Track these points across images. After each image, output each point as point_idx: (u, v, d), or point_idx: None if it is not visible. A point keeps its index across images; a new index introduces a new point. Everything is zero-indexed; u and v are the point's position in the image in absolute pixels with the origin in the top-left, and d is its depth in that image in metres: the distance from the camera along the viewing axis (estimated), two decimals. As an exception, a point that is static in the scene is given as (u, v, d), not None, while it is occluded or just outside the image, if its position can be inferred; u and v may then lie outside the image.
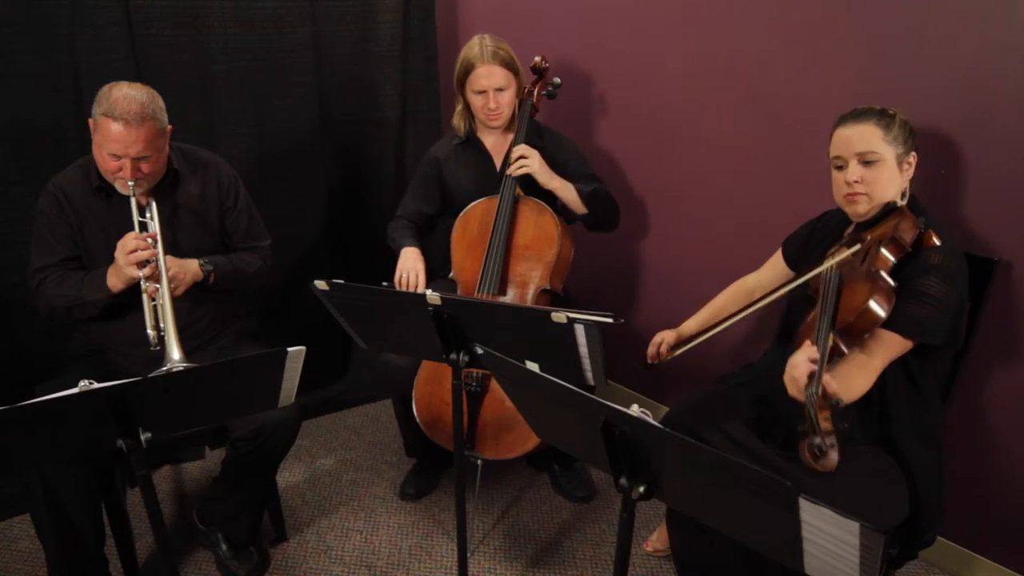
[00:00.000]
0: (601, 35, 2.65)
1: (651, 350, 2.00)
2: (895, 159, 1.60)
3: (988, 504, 2.02)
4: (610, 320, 1.47)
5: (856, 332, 1.50)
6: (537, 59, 2.40)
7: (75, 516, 1.83)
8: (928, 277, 1.52)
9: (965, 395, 1.91)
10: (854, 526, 0.97)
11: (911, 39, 1.91)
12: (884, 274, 1.52)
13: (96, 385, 1.31)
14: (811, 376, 1.39)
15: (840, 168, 1.66)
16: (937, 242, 1.54)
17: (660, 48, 2.49)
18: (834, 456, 1.34)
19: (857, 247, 1.60)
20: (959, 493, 2.01)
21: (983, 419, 1.98)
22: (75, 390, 1.29)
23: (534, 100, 2.39)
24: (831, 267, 1.60)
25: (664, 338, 1.99)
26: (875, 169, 1.60)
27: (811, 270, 1.67)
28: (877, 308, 1.47)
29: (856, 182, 1.60)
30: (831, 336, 1.46)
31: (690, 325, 2.03)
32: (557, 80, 2.45)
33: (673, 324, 2.69)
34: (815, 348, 1.44)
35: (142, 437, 1.39)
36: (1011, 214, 1.83)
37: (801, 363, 1.43)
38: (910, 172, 1.64)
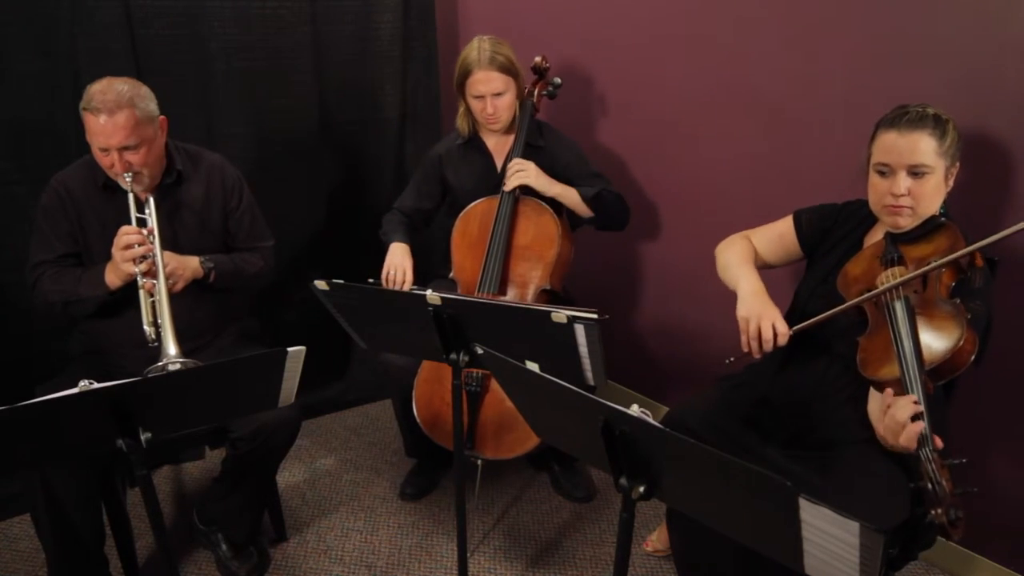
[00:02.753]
0: (601, 35, 2.65)
1: (762, 344, 1.60)
2: (943, 171, 1.53)
3: (988, 504, 2.02)
4: (594, 317, 1.46)
5: (946, 372, 1.38)
6: (538, 59, 2.40)
7: (75, 516, 1.83)
8: (975, 302, 1.47)
9: (965, 395, 1.90)
10: (854, 526, 0.97)
11: (912, 39, 1.91)
12: (962, 304, 1.41)
13: (96, 385, 1.31)
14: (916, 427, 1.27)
15: (883, 174, 1.56)
16: (981, 262, 1.48)
17: (660, 48, 2.49)
18: (963, 524, 1.20)
19: (920, 270, 1.47)
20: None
21: (983, 419, 1.98)
22: (75, 390, 1.29)
23: (534, 100, 2.39)
24: (894, 295, 1.45)
25: (776, 324, 1.59)
26: (923, 182, 1.52)
27: (856, 278, 1.56)
28: (968, 345, 1.36)
29: (904, 195, 1.52)
30: (923, 377, 1.33)
31: (756, 280, 1.71)
32: (557, 80, 2.45)
33: (673, 324, 2.70)
34: (915, 399, 1.30)
35: (142, 437, 1.39)
36: (1012, 214, 1.83)
37: (906, 412, 1.28)
38: (952, 182, 1.57)
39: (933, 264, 1.46)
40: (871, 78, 2.00)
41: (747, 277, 1.73)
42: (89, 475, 1.84)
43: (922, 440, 1.27)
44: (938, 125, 1.52)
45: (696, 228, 2.54)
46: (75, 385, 1.30)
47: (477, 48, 2.25)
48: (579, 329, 1.50)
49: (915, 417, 1.29)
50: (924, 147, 1.51)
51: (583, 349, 1.53)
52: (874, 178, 1.59)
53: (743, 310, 1.66)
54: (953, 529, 1.19)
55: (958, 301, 1.43)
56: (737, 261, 1.79)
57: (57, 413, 1.32)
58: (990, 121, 1.82)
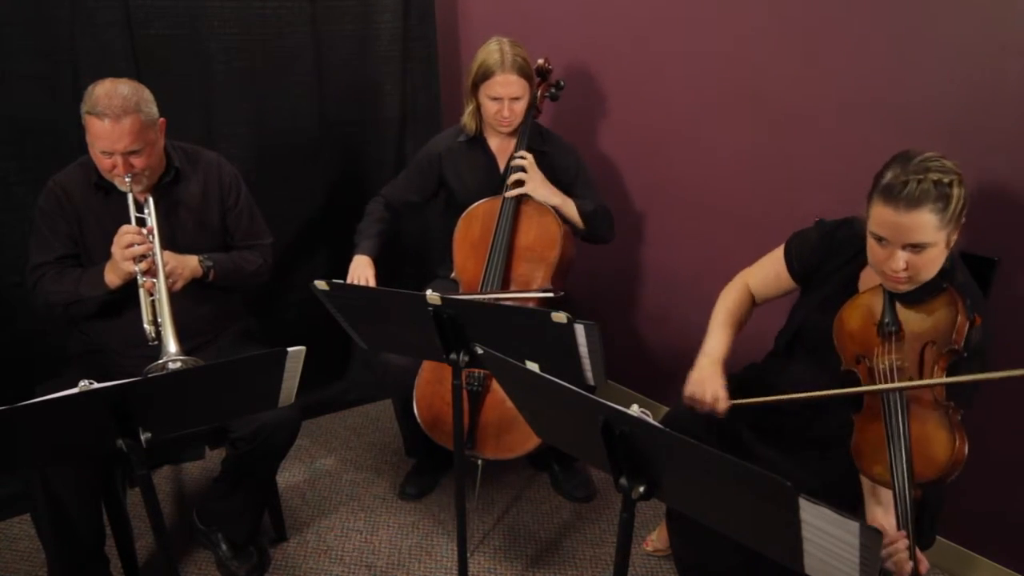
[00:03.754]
0: (601, 36, 2.65)
1: (701, 408, 1.70)
2: (945, 240, 1.44)
3: (988, 504, 2.02)
4: (551, 294, 1.48)
5: (934, 484, 1.39)
6: (541, 61, 2.40)
7: (75, 516, 1.83)
8: (972, 361, 1.46)
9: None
10: (854, 526, 0.97)
11: (911, 40, 1.91)
12: (955, 407, 1.42)
13: (96, 385, 1.31)
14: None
15: (880, 242, 1.48)
16: (979, 321, 1.45)
17: (661, 49, 2.49)
18: None
19: (918, 383, 1.45)
20: (959, 493, 2.00)
21: (982, 419, 1.98)
22: (75, 390, 1.29)
23: (537, 102, 2.39)
24: (892, 395, 1.45)
25: (717, 395, 1.68)
26: (922, 255, 1.44)
27: (852, 330, 1.57)
28: (960, 456, 1.37)
29: (903, 269, 1.46)
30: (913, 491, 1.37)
31: (719, 347, 1.79)
32: (560, 83, 2.44)
33: (673, 324, 2.70)
34: (905, 542, 1.35)
35: (142, 437, 1.39)
36: (1012, 214, 1.83)
37: (902, 549, 1.35)
38: (956, 239, 1.48)
39: (933, 382, 1.44)
40: (873, 80, 2.00)
41: (714, 340, 1.81)
42: (89, 475, 1.84)
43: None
44: (940, 197, 1.40)
45: (697, 228, 2.54)
46: (75, 385, 1.30)
47: (499, 50, 2.23)
48: (579, 329, 1.50)
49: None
50: (923, 225, 1.41)
51: (583, 349, 1.53)
52: (871, 241, 1.51)
53: (694, 374, 1.75)
54: None
55: (951, 406, 1.43)
56: (719, 318, 1.85)
57: (57, 413, 1.32)
58: (990, 121, 1.82)
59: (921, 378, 1.46)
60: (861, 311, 1.58)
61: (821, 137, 2.14)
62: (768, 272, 1.87)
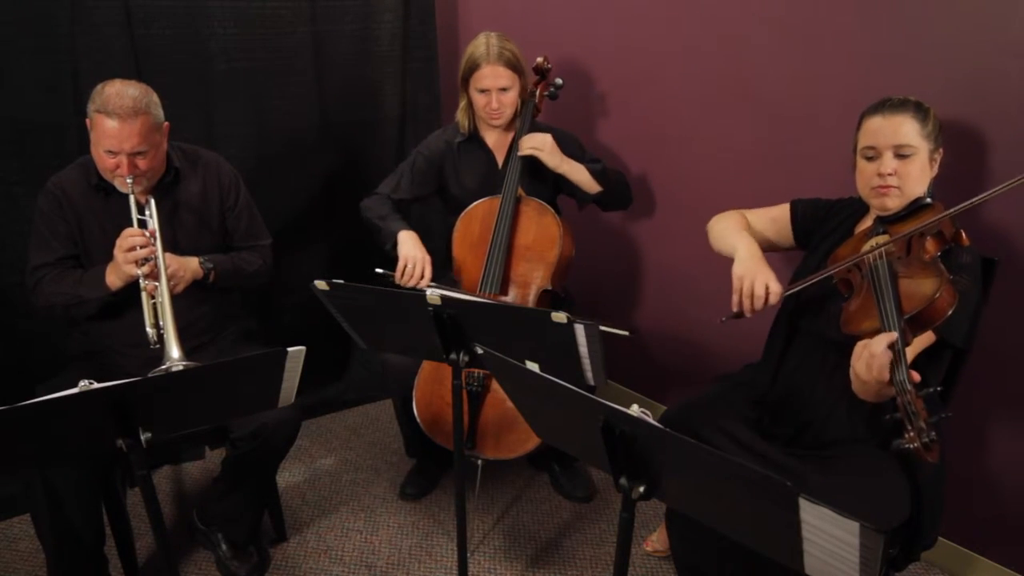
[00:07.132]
0: (601, 35, 2.65)
1: (754, 304, 1.65)
2: (927, 154, 1.59)
3: (988, 504, 2.02)
4: (626, 333, 1.56)
5: (925, 322, 1.40)
6: (540, 60, 2.40)
7: (75, 516, 1.83)
8: (960, 275, 1.49)
9: (965, 395, 1.91)
10: (854, 526, 0.97)
11: (912, 39, 1.91)
12: (942, 264, 1.45)
13: (96, 385, 1.31)
14: (893, 363, 1.30)
15: (871, 159, 1.62)
16: (967, 241, 1.51)
17: (661, 48, 2.49)
18: (937, 448, 1.20)
19: (904, 236, 1.51)
20: (959, 493, 2.00)
21: (982, 419, 1.98)
22: (75, 390, 1.29)
23: (536, 101, 2.39)
24: (876, 256, 1.51)
25: (769, 284, 1.64)
26: (909, 163, 1.58)
27: (845, 257, 1.60)
28: (947, 297, 1.39)
29: (890, 174, 1.57)
30: (902, 324, 1.36)
31: (751, 244, 1.75)
32: (559, 81, 2.44)
33: (673, 323, 2.70)
34: (892, 333, 1.34)
35: (142, 437, 1.39)
36: (1012, 214, 1.83)
37: (881, 344, 1.32)
38: (936, 168, 1.62)
39: (914, 228, 1.50)
40: (871, 77, 1.99)
41: (744, 241, 1.78)
42: (89, 475, 1.84)
43: (895, 369, 1.29)
44: (920, 110, 1.59)
45: (696, 228, 2.52)
46: (75, 385, 1.30)
47: (485, 43, 2.25)
48: (579, 329, 1.50)
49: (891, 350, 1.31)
50: (908, 129, 1.57)
51: (583, 349, 1.53)
52: (861, 163, 1.65)
53: (739, 269, 1.70)
54: (928, 452, 1.20)
55: (939, 261, 1.46)
56: (734, 229, 1.85)
57: (57, 413, 1.32)
58: (990, 121, 1.82)
59: (908, 254, 1.49)
60: (853, 240, 1.66)
61: (821, 136, 2.13)
62: (766, 213, 1.91)
